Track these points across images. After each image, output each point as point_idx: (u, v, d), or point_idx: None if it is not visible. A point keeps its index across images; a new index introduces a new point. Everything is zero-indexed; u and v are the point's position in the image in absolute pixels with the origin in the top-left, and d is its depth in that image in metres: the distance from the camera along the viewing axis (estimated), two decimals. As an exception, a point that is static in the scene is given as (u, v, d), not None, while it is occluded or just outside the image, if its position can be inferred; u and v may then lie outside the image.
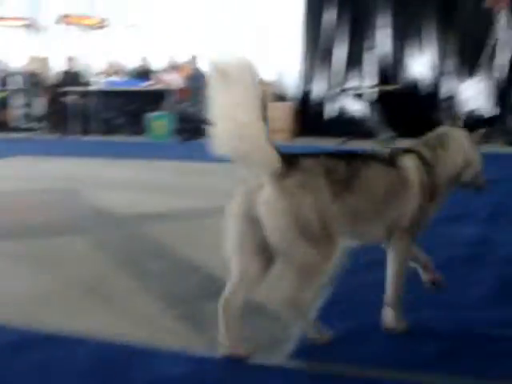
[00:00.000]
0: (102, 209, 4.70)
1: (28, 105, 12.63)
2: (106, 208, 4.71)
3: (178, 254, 3.40)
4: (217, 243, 3.63)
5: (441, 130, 2.50)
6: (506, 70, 9.65)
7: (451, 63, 10.23)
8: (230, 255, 2.09)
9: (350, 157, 2.18)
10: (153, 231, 3.96)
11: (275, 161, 1.92)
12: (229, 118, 1.83)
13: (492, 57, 9.54)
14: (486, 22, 9.77)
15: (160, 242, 3.68)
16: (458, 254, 3.34)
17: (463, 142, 2.42)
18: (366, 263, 3.09)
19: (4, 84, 12.66)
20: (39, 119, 12.50)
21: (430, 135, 2.47)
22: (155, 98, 10.89)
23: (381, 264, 2.99)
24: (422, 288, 2.60)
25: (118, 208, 4.69)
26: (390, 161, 2.25)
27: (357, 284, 2.83)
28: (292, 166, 1.96)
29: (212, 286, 2.84)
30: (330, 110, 10.55)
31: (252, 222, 1.98)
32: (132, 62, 12.02)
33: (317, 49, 10.63)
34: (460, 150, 2.39)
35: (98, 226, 4.23)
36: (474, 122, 9.29)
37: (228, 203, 2.08)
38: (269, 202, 1.93)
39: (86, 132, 11.27)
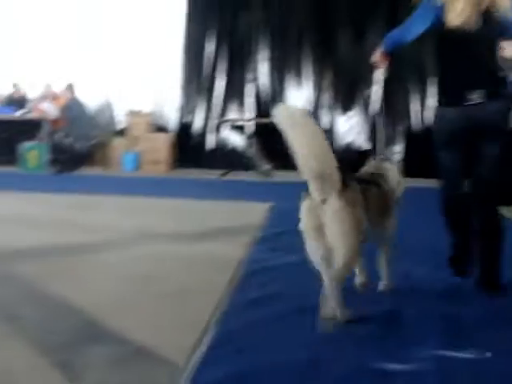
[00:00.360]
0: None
1: None
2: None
3: (54, 295, 3.20)
4: (95, 281, 3.50)
5: (372, 163, 3.44)
6: (378, 107, 10.06)
7: (327, 98, 10.52)
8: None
9: (361, 180, 3.08)
10: (27, 270, 3.70)
11: (339, 180, 2.69)
12: (309, 150, 2.62)
13: (368, 95, 9.94)
14: (360, 61, 10.21)
15: (34, 282, 3.45)
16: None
17: (394, 169, 3.38)
18: (250, 301, 3.05)
19: None
20: None
21: (370, 166, 3.41)
22: (29, 128, 10.44)
23: (267, 299, 2.96)
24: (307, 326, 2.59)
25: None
26: (375, 181, 3.18)
27: (242, 323, 2.76)
28: (345, 184, 2.74)
29: (90, 331, 2.69)
30: (211, 142, 10.55)
31: (319, 229, 2.73)
32: (4, 89, 11.50)
33: (197, 80, 10.63)
34: (393, 175, 3.32)
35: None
36: (350, 155, 9.59)
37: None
38: (336, 209, 2.68)
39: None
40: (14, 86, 11.25)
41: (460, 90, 3.19)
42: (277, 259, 3.96)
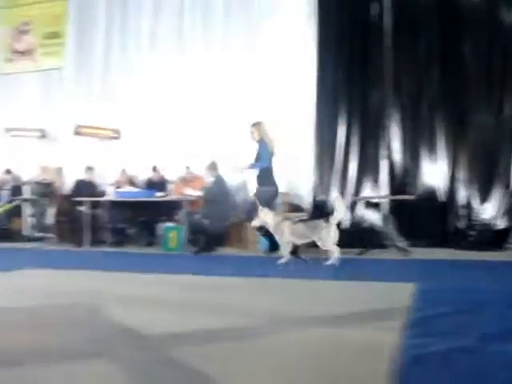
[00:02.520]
0: (126, 328, 4.27)
1: (40, 214, 12.61)
2: (129, 327, 4.28)
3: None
4: (264, 367, 3.28)
5: None
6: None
7: (463, 173, 10.19)
8: None
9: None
10: (187, 354, 3.49)
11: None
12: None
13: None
14: (496, 135, 9.88)
15: (197, 368, 3.30)
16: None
17: None
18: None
19: (16, 194, 12.69)
20: (48, 229, 12.41)
21: None
22: (168, 209, 10.79)
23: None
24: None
25: (143, 327, 4.24)
26: None
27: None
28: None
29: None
30: (346, 220, 10.44)
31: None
32: (144, 173, 12.02)
33: (330, 160, 10.65)
34: None
35: (125, 347, 3.77)
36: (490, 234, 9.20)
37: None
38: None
39: (96, 243, 11.08)
40: (154, 169, 11.74)
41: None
42: (435, 345, 3.72)
